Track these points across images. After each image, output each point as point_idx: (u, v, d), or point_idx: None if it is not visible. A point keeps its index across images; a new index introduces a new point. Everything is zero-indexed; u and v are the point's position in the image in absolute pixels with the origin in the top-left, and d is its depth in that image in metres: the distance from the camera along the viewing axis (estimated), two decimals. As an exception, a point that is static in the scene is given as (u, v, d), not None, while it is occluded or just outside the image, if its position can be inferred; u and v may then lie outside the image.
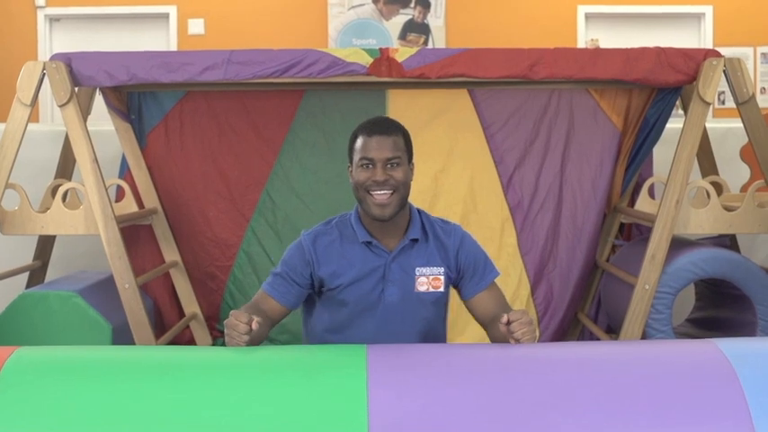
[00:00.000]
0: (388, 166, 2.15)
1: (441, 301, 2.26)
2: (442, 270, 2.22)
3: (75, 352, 1.94)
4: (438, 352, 1.92)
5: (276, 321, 2.22)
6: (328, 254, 2.21)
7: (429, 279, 2.21)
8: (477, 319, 2.28)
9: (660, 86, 3.58)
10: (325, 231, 2.26)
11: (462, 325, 3.52)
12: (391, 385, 1.71)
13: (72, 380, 1.74)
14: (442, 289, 2.23)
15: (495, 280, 2.29)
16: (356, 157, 2.19)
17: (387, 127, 2.20)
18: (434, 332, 2.29)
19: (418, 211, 2.29)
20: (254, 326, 1.94)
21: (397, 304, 2.20)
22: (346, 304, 2.22)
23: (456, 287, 2.30)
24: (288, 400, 1.67)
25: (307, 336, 2.39)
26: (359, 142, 2.19)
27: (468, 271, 2.25)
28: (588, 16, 6.86)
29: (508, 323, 1.94)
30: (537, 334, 2.00)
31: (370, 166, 2.15)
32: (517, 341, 1.94)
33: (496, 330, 2.12)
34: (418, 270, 2.20)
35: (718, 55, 3.38)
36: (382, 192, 2.14)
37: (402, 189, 2.17)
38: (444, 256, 2.23)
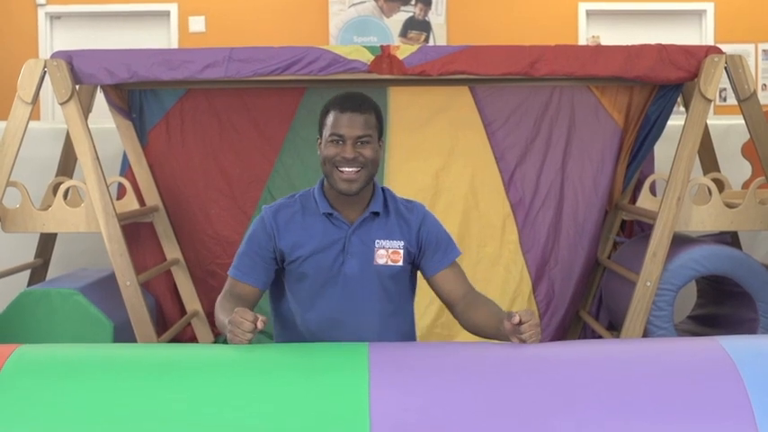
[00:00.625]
0: (358, 143, 2.13)
1: (400, 277, 2.22)
2: (401, 244, 2.19)
3: (76, 350, 1.94)
4: (440, 351, 1.91)
5: (251, 306, 2.18)
6: (289, 226, 2.19)
7: (388, 252, 2.18)
8: (441, 298, 2.25)
9: (661, 83, 3.58)
10: (288, 204, 2.24)
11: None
12: (394, 384, 1.70)
13: (73, 378, 1.73)
14: (400, 263, 2.19)
15: (457, 259, 2.25)
16: (326, 132, 2.17)
17: (359, 104, 2.17)
18: (399, 311, 2.25)
19: (382, 188, 2.27)
20: (260, 325, 1.92)
21: (356, 277, 2.17)
22: (306, 277, 2.18)
23: (418, 266, 2.25)
24: (289, 398, 1.67)
25: (278, 328, 2.32)
26: (330, 117, 2.16)
27: (431, 247, 2.21)
28: (589, 13, 6.86)
29: (520, 323, 1.93)
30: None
31: (341, 142, 2.13)
32: (523, 341, 1.93)
33: (474, 316, 2.12)
34: (378, 242, 2.18)
35: (719, 52, 3.37)
36: (350, 168, 2.12)
37: (370, 166, 2.15)
38: (406, 230, 2.21)
